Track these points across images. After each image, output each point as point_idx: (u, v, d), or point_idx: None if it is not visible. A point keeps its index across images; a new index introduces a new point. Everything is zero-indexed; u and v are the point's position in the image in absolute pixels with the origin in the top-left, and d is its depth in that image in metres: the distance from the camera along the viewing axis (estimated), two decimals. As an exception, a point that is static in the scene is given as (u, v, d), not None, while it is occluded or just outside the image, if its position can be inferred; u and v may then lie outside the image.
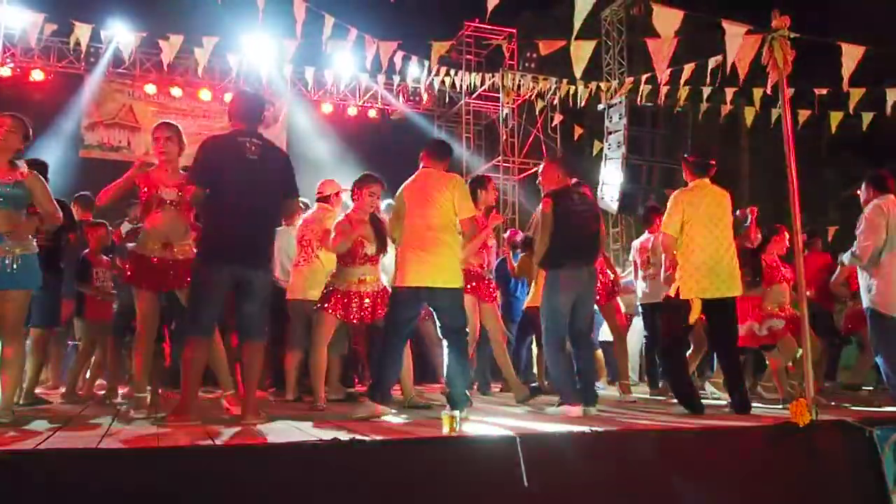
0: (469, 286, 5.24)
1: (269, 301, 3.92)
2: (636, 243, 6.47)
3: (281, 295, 6.10)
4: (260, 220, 3.75)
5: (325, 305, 4.73)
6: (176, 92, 12.63)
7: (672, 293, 4.47)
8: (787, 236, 5.77)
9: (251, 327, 3.79)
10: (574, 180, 4.71)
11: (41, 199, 3.82)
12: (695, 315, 4.40)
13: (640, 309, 6.60)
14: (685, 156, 4.84)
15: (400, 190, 4.24)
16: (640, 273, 6.25)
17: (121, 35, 8.30)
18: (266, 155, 3.79)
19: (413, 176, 4.26)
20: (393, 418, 3.98)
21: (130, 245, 4.22)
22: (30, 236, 3.79)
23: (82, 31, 6.87)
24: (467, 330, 4.30)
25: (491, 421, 3.81)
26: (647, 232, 6.30)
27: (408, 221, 4.11)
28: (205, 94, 12.74)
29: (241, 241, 3.67)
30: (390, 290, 4.33)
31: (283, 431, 3.29)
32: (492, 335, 5.44)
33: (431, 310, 4.32)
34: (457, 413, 3.24)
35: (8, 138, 3.73)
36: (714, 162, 4.64)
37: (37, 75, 11.63)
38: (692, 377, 5.04)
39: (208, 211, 3.75)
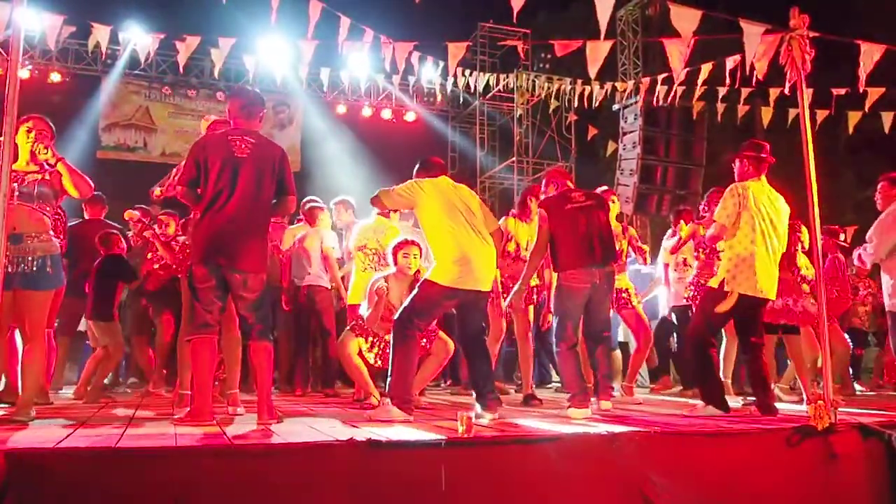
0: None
1: (270, 300, 3.92)
2: (668, 244, 6.51)
3: (314, 293, 6.15)
4: (249, 218, 3.71)
5: (355, 330, 4.89)
6: (192, 93, 12.73)
7: (715, 284, 4.36)
8: (805, 229, 5.72)
9: (252, 328, 3.77)
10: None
11: (75, 181, 3.83)
12: (726, 306, 4.28)
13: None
14: (743, 151, 4.54)
15: (427, 184, 4.19)
16: (674, 275, 6.30)
17: (138, 37, 8.34)
18: (258, 153, 3.77)
19: (437, 179, 4.24)
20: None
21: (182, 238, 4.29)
22: (52, 236, 3.82)
23: (101, 34, 6.91)
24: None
25: (508, 422, 3.81)
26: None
27: (452, 223, 4.08)
28: (220, 96, 12.83)
29: (229, 239, 3.65)
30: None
31: (300, 432, 3.30)
32: (518, 333, 5.55)
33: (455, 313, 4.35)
34: (472, 414, 3.23)
35: (41, 140, 3.79)
36: (767, 156, 4.45)
37: (55, 77, 11.76)
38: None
39: (198, 210, 3.76)
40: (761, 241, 4.29)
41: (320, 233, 6.33)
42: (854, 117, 7.62)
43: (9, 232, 3.54)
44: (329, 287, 6.30)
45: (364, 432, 3.17)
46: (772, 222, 4.36)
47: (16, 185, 3.64)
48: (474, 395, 4.14)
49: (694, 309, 5.64)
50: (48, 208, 3.79)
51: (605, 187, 5.94)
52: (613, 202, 5.65)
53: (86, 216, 6.40)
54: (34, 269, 3.65)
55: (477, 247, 4.07)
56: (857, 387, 7.28)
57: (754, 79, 4.61)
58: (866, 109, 6.96)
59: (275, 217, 4.24)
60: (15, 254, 3.60)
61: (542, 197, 4.93)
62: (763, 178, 4.45)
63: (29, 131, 3.75)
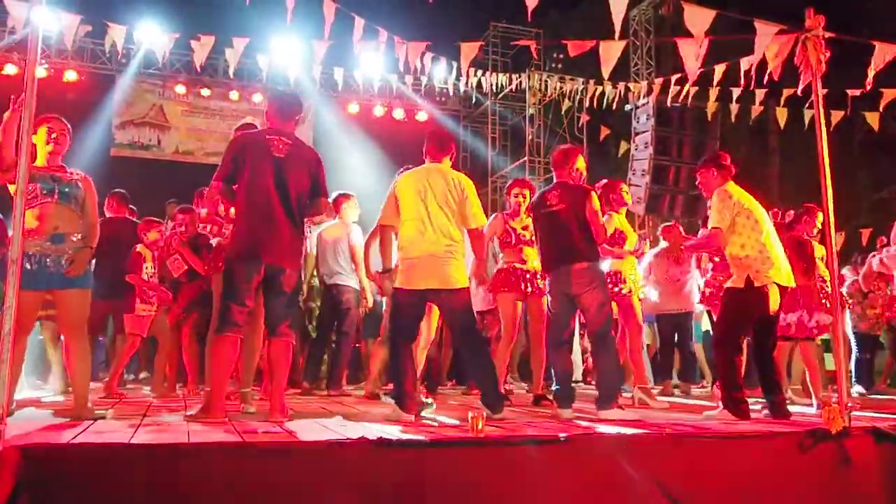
0: (505, 287, 5.29)
1: (298, 297, 3.96)
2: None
3: (340, 293, 6.11)
4: (286, 217, 3.77)
5: None
6: (205, 92, 12.81)
7: (740, 284, 4.29)
8: (818, 217, 5.68)
9: (278, 323, 3.82)
10: (600, 181, 4.67)
11: (90, 205, 3.85)
12: (775, 303, 4.23)
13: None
14: (714, 160, 4.60)
15: (397, 183, 4.17)
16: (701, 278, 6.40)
17: (153, 36, 8.41)
18: (294, 153, 3.83)
19: (414, 169, 4.22)
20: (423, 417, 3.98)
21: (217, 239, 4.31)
22: (82, 237, 3.79)
23: (117, 33, 6.97)
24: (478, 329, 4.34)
25: (519, 422, 3.80)
26: None
27: (406, 219, 4.04)
28: (233, 95, 12.91)
29: (266, 237, 3.70)
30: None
31: (311, 430, 3.32)
32: (531, 333, 5.45)
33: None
34: (484, 413, 3.24)
35: (60, 140, 3.81)
36: (729, 165, 4.57)
37: (70, 76, 11.86)
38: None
39: (237, 207, 3.81)
40: (768, 234, 4.33)
41: (347, 226, 6.15)
42: (872, 118, 7.56)
43: (51, 231, 3.59)
44: (356, 287, 6.15)
45: (374, 431, 3.18)
46: (764, 214, 4.42)
47: (56, 185, 3.68)
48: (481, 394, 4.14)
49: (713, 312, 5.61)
50: (80, 209, 3.79)
51: (605, 181, 5.83)
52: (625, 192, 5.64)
53: (107, 214, 6.41)
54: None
55: (421, 243, 3.95)
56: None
57: (767, 79, 4.59)
58: (881, 110, 6.91)
59: (307, 217, 4.28)
60: (56, 254, 3.61)
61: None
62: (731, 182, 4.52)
63: (50, 132, 3.77)
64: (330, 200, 6.37)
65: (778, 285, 4.25)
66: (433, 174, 4.09)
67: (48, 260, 3.57)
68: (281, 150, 3.78)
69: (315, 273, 6.38)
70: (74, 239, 3.69)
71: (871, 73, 4.78)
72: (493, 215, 5.55)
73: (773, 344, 4.45)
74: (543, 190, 4.65)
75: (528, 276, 5.30)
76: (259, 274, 3.73)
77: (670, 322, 6.98)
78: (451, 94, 13.88)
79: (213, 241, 4.87)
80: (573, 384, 4.47)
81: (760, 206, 4.47)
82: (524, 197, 5.46)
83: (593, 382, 7.09)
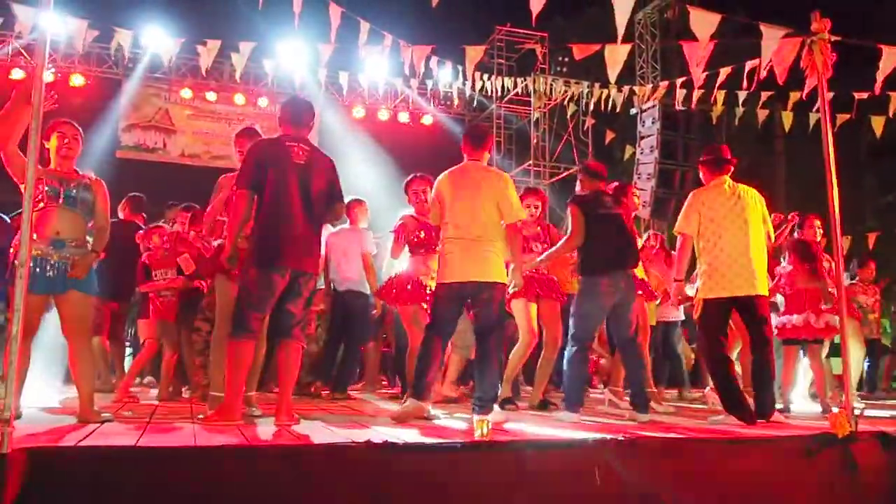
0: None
1: (312, 301, 4.00)
2: None
3: (353, 299, 6.10)
4: (308, 223, 3.79)
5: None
6: (211, 96, 12.85)
7: (698, 294, 4.37)
8: (818, 223, 5.69)
9: (291, 326, 3.82)
10: (611, 184, 4.70)
11: (101, 208, 3.84)
12: (696, 313, 4.35)
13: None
14: (699, 159, 4.68)
15: (439, 182, 4.28)
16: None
17: (160, 40, 8.46)
18: (313, 160, 3.85)
19: (451, 168, 4.28)
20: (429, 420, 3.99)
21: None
22: (87, 242, 3.79)
23: (123, 38, 7.02)
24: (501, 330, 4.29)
25: (523, 427, 3.80)
26: None
27: (448, 216, 4.13)
28: (239, 99, 12.95)
29: (290, 244, 3.71)
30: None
31: (317, 433, 3.32)
32: (545, 337, 5.42)
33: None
34: (489, 417, 3.24)
35: (72, 145, 3.80)
36: (729, 157, 4.49)
37: (77, 80, 11.91)
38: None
39: (258, 214, 3.79)
40: (728, 242, 4.28)
41: (360, 232, 6.16)
42: (878, 122, 7.54)
43: (53, 236, 3.59)
44: (368, 293, 6.15)
45: (381, 434, 3.18)
46: (742, 218, 4.32)
47: (62, 189, 3.67)
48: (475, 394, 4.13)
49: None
50: (89, 214, 3.78)
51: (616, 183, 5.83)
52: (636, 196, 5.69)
53: (120, 216, 6.40)
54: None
55: (454, 240, 4.06)
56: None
57: (766, 75, 4.59)
58: (889, 115, 6.90)
59: (325, 223, 4.31)
60: (58, 259, 3.59)
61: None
62: (726, 177, 4.46)
63: (62, 137, 3.77)
64: None
65: (712, 299, 4.25)
66: (463, 173, 4.21)
67: (48, 264, 3.57)
68: (301, 157, 3.79)
69: (322, 277, 6.38)
70: (76, 245, 3.68)
71: (879, 78, 4.77)
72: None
73: (765, 341, 4.39)
74: (595, 190, 4.64)
75: (540, 281, 5.28)
76: (284, 280, 3.73)
77: (658, 330, 6.93)
78: (457, 97, 13.90)
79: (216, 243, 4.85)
80: None
81: (749, 204, 4.38)
82: (536, 208, 5.47)
83: (598, 386, 7.10)
